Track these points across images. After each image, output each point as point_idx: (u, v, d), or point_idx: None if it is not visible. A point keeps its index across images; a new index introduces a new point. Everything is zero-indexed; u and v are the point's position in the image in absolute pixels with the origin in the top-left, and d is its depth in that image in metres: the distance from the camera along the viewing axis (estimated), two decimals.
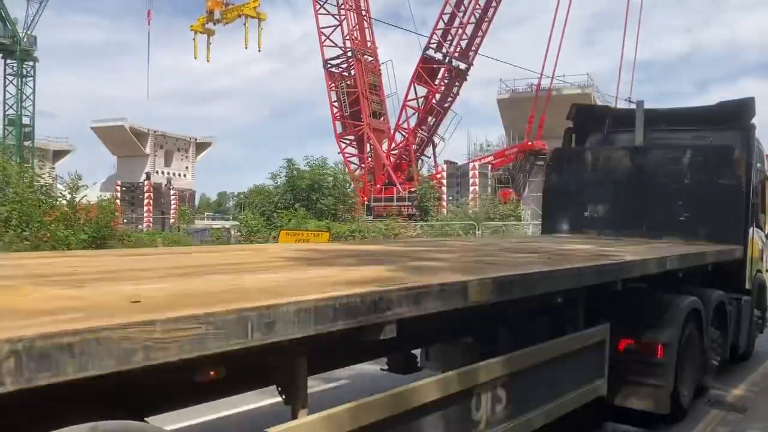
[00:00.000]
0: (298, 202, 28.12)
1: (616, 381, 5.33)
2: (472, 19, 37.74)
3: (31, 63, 49.59)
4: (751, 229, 8.32)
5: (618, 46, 42.27)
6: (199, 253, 5.64)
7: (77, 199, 17.92)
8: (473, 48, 38.43)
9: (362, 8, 40.26)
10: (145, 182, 48.27)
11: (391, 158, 39.66)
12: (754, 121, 8.62)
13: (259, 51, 40.18)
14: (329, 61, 40.24)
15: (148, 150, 55.85)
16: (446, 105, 40.02)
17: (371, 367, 5.59)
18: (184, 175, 59.03)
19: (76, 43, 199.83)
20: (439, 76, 39.21)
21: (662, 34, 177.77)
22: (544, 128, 35.46)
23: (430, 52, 38.58)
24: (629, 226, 8.63)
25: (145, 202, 46.60)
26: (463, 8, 37.51)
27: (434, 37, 38.42)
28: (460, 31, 38.09)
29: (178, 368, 1.95)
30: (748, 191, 8.14)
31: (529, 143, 36.41)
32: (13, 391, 1.56)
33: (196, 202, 68.13)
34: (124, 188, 46.97)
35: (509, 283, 3.58)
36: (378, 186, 38.89)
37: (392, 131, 40.70)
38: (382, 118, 41.37)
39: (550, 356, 4.37)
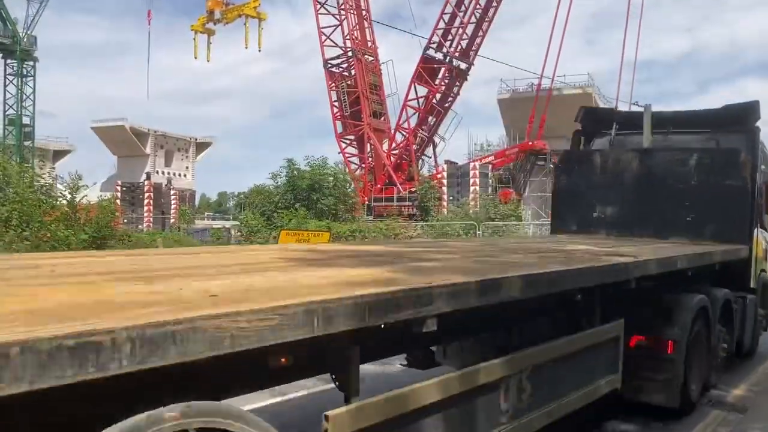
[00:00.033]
0: (298, 202, 28.17)
1: (627, 376, 5.47)
2: (473, 19, 37.86)
3: (31, 63, 49.63)
4: (755, 230, 8.51)
5: (619, 46, 42.52)
6: (227, 253, 5.76)
7: (77, 199, 17.86)
8: (474, 48, 38.60)
9: (362, 8, 40.40)
10: (146, 182, 48.33)
11: (392, 158, 39.73)
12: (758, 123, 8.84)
13: (260, 51, 40.61)
14: (329, 61, 40.30)
15: (148, 150, 56.03)
16: (447, 105, 40.16)
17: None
18: (185, 175, 59.21)
19: (76, 43, 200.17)
20: (440, 75, 39.32)
21: (663, 33, 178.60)
22: (544, 128, 35.66)
23: (431, 52, 38.71)
24: (637, 227, 8.78)
25: (146, 202, 46.64)
26: (463, 8, 37.59)
27: (435, 36, 38.59)
28: (461, 30, 38.21)
29: (253, 355, 2.15)
30: (753, 193, 8.33)
31: (530, 143, 36.54)
32: (126, 373, 1.75)
33: (197, 202, 68.27)
34: (124, 188, 47.00)
35: (538, 281, 3.81)
36: (378, 186, 38.97)
37: (393, 131, 40.77)
38: (382, 118, 41.41)
39: (570, 351, 4.59)
